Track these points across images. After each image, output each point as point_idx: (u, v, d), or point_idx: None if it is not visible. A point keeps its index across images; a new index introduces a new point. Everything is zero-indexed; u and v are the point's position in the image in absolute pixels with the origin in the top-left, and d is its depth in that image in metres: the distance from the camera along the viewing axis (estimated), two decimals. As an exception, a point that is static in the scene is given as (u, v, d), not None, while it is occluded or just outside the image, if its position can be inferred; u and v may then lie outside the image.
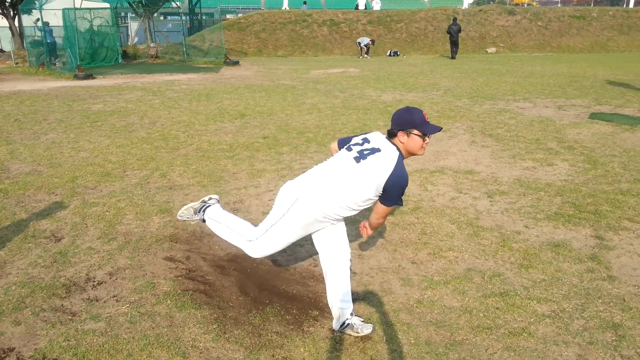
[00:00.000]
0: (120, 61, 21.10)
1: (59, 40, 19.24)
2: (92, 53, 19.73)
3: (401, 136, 2.76)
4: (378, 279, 3.54)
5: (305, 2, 32.19)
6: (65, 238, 4.13)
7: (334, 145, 3.10)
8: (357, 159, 2.75)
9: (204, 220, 3.22)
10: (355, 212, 2.82)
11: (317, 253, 3.03)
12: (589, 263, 3.71)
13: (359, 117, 9.11)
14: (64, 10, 17.67)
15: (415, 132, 2.74)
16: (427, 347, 2.78)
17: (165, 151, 6.82)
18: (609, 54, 26.14)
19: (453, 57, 23.47)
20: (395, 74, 16.58)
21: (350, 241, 3.24)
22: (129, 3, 23.57)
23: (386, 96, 11.64)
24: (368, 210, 2.95)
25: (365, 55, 24.43)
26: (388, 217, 4.54)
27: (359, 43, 24.66)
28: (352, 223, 4.36)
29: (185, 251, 3.90)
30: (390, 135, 2.82)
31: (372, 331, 2.88)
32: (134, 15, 29.20)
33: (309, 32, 27.48)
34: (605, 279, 3.48)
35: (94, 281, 3.45)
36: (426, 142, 2.79)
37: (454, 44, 23.47)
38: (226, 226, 3.09)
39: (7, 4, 24.37)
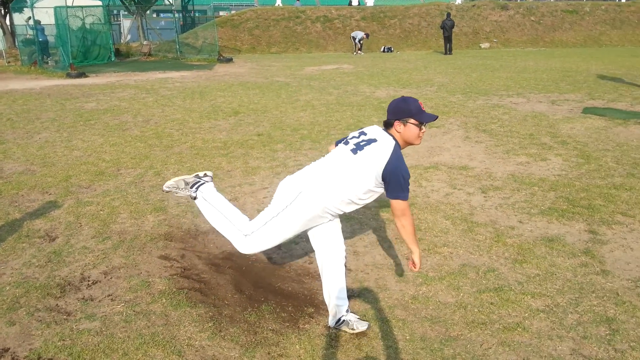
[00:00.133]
0: (113, 59, 20.99)
1: (51, 39, 19.13)
2: (84, 51, 19.61)
3: (398, 126, 2.77)
4: (373, 276, 3.55)
5: (298, -1, 32.12)
6: (59, 237, 4.12)
7: (332, 147, 3.10)
8: (354, 151, 2.76)
9: (194, 198, 3.00)
10: (357, 207, 2.81)
11: (312, 250, 3.03)
12: (583, 257, 3.73)
13: (353, 113, 9.11)
14: (55, 8, 17.55)
15: (412, 121, 2.76)
16: (422, 343, 2.79)
17: (159, 149, 6.80)
18: (601, 49, 26.23)
19: (446, 53, 23.50)
20: (389, 70, 16.59)
21: (345, 238, 3.25)
22: (121, 0, 23.44)
23: (380, 92, 11.64)
24: (369, 211, 2.95)
25: (359, 52, 24.41)
26: (382, 214, 4.55)
27: (354, 38, 24.61)
28: (347, 220, 4.37)
29: (180, 249, 3.90)
30: (387, 125, 2.84)
31: (367, 328, 2.88)
32: (126, 12, 29.04)
33: (302, 29, 27.43)
34: (598, 274, 3.50)
35: (88, 280, 3.44)
36: (423, 131, 2.81)
37: (448, 39, 23.50)
38: (221, 213, 2.90)
39: (-2, 2, 24.19)
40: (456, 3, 32.44)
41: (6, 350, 2.72)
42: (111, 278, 3.47)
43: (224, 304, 3.18)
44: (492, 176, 5.58)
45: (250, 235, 2.80)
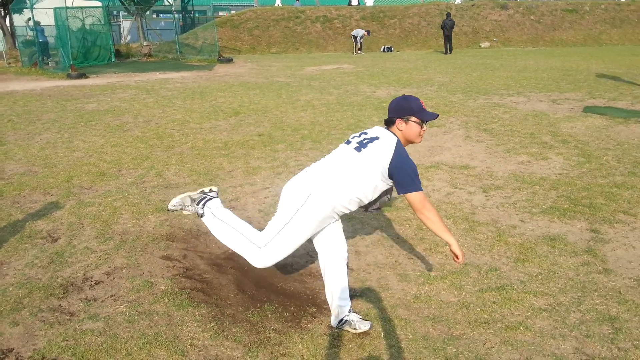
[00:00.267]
0: (113, 60, 21.00)
1: (51, 40, 19.13)
2: (84, 52, 19.62)
3: (399, 124, 2.80)
4: (375, 275, 3.55)
5: (298, -1, 32.12)
6: (61, 238, 4.12)
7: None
8: (358, 149, 2.78)
9: (201, 215, 2.90)
10: (362, 205, 2.82)
11: (313, 250, 3.03)
12: (585, 256, 3.73)
13: (354, 113, 9.12)
14: (55, 9, 17.55)
15: (414, 119, 2.79)
16: (424, 342, 2.79)
17: (160, 150, 6.80)
18: (601, 48, 26.23)
19: (446, 52, 23.51)
20: (389, 69, 16.59)
21: (347, 238, 3.25)
22: (120, 1, 23.46)
23: (380, 92, 11.65)
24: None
25: (360, 52, 24.41)
26: (385, 213, 4.56)
27: (354, 37, 24.57)
28: (349, 219, 4.38)
29: (182, 250, 3.90)
30: (388, 124, 2.87)
31: (370, 327, 2.89)
32: (126, 13, 29.05)
33: (302, 29, 27.44)
34: (601, 272, 3.50)
35: (91, 281, 3.44)
36: (424, 129, 2.84)
37: (448, 39, 23.51)
38: (232, 227, 2.82)
39: (-3, 3, 24.19)
40: (456, 2, 32.46)
41: (10, 350, 2.73)
42: (114, 278, 3.48)
43: (226, 303, 3.18)
44: (493, 175, 5.58)
45: (265, 246, 2.73)
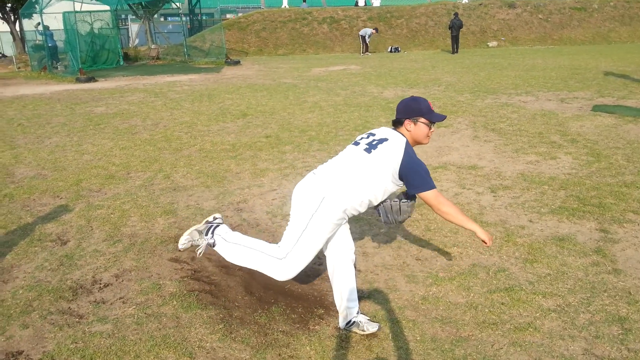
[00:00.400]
0: (121, 63, 21.14)
1: (60, 44, 19.29)
2: (93, 56, 19.78)
3: (408, 124, 2.81)
4: (383, 277, 3.54)
5: (304, 0, 32.14)
6: (71, 241, 4.16)
7: None
8: (368, 150, 2.77)
9: (213, 245, 2.89)
10: (370, 207, 2.83)
11: (320, 251, 3.03)
12: (594, 256, 3.70)
13: (361, 114, 9.11)
14: (64, 13, 17.71)
15: (422, 120, 2.81)
16: (433, 344, 2.78)
17: (168, 152, 6.83)
18: (610, 45, 26.04)
19: (454, 52, 23.43)
20: (396, 70, 16.56)
21: (354, 239, 3.25)
22: (129, 5, 23.60)
23: (388, 93, 11.63)
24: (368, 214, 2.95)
25: (367, 53, 24.39)
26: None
27: (362, 36, 24.49)
28: (356, 221, 4.37)
29: (190, 252, 3.91)
30: (396, 124, 2.87)
31: (378, 329, 2.88)
32: (134, 17, 29.24)
33: (309, 30, 27.46)
34: (610, 272, 3.47)
35: (100, 283, 3.47)
36: (432, 130, 2.86)
37: (455, 38, 23.43)
38: (246, 247, 2.80)
39: (7, 8, 24.43)
40: (463, 2, 32.32)
41: (20, 353, 2.75)
42: (122, 281, 3.50)
43: (234, 305, 3.19)
44: (501, 175, 5.56)
45: (286, 257, 2.70)
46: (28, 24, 21.45)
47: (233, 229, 4.30)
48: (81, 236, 4.24)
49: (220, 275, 3.55)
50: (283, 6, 31.78)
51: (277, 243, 2.80)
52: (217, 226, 2.95)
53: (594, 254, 3.74)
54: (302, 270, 2.77)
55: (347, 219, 2.80)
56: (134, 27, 31.94)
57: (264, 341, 2.84)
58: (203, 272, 3.62)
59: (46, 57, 18.76)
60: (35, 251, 3.98)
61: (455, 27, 23.21)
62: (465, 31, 26.37)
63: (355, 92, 11.89)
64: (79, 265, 3.72)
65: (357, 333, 2.87)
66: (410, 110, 2.82)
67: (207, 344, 2.80)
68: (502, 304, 3.14)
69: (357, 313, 2.92)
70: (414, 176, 2.70)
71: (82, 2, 19.83)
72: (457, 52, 23.41)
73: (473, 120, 8.32)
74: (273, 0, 37.36)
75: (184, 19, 27.19)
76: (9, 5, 24.36)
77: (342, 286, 2.89)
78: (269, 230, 4.34)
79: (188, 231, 2.96)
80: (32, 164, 6.43)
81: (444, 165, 5.97)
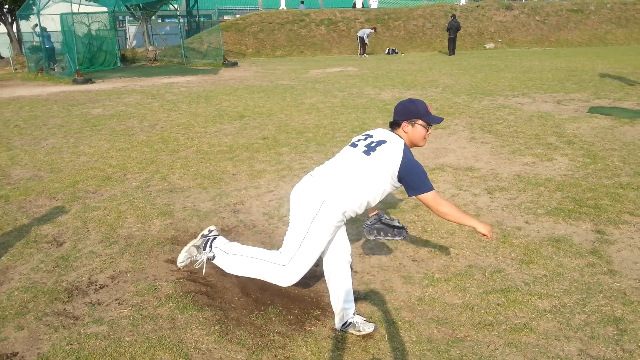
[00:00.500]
0: (119, 65, 21.14)
1: (57, 45, 19.28)
2: (90, 57, 19.77)
3: (405, 126, 2.81)
4: (379, 278, 3.54)
5: (302, 2, 32.18)
6: (66, 242, 4.15)
7: None
8: (367, 152, 2.75)
9: (212, 258, 2.86)
10: (367, 208, 2.83)
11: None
12: (590, 257, 3.71)
13: (358, 116, 9.12)
14: (61, 15, 17.71)
15: (420, 122, 2.81)
16: (428, 345, 2.79)
17: (165, 154, 6.83)
18: (607, 48, 26.11)
19: (451, 54, 23.47)
20: (393, 71, 16.59)
21: (350, 240, 3.25)
22: (126, 6, 23.60)
23: (385, 94, 11.65)
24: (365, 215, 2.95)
25: (365, 55, 24.41)
26: (390, 215, 4.55)
27: (361, 37, 24.46)
28: (353, 222, 4.37)
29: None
30: (393, 126, 2.88)
31: (374, 330, 2.88)
32: (131, 18, 29.23)
33: (306, 32, 27.49)
34: (606, 273, 3.48)
35: (96, 285, 3.46)
36: (429, 133, 2.87)
37: (452, 40, 23.48)
38: (247, 256, 2.78)
39: (4, 10, 24.40)
40: (460, 4, 32.42)
41: (15, 354, 2.74)
42: (118, 282, 3.49)
43: (230, 307, 3.19)
44: (498, 177, 5.57)
45: (289, 263, 2.70)
46: (25, 26, 21.43)
47: (230, 230, 4.32)
48: (77, 237, 4.23)
49: (216, 277, 3.55)
50: (280, 8, 31.85)
51: (275, 247, 2.79)
52: (214, 238, 2.92)
53: (590, 255, 3.75)
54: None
55: (345, 221, 2.81)
56: (131, 29, 31.95)
57: (260, 342, 2.83)
58: (199, 273, 3.61)
59: (43, 58, 18.75)
60: (30, 252, 3.97)
61: (453, 29, 23.26)
62: (463, 33, 26.40)
63: (353, 93, 11.90)
64: (74, 267, 3.72)
65: (353, 334, 2.87)
66: (408, 112, 2.82)
67: (203, 346, 2.80)
68: (498, 304, 3.15)
69: (354, 314, 2.92)
70: (413, 178, 2.71)
71: (79, 4, 19.80)
72: (454, 54, 23.45)
73: (470, 122, 8.34)
74: (271, 1, 37.45)
75: (181, 20, 27.20)
76: (7, 6, 24.32)
77: (339, 287, 2.89)
78: (266, 231, 4.34)
79: (185, 248, 2.92)
80: (29, 166, 6.41)
81: (440, 167, 5.97)
